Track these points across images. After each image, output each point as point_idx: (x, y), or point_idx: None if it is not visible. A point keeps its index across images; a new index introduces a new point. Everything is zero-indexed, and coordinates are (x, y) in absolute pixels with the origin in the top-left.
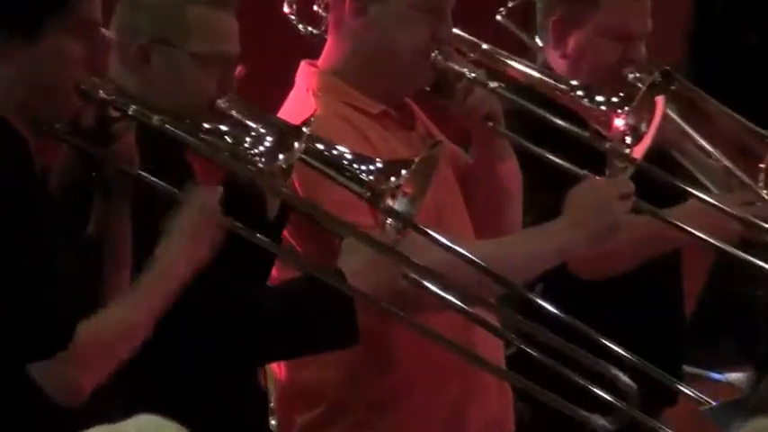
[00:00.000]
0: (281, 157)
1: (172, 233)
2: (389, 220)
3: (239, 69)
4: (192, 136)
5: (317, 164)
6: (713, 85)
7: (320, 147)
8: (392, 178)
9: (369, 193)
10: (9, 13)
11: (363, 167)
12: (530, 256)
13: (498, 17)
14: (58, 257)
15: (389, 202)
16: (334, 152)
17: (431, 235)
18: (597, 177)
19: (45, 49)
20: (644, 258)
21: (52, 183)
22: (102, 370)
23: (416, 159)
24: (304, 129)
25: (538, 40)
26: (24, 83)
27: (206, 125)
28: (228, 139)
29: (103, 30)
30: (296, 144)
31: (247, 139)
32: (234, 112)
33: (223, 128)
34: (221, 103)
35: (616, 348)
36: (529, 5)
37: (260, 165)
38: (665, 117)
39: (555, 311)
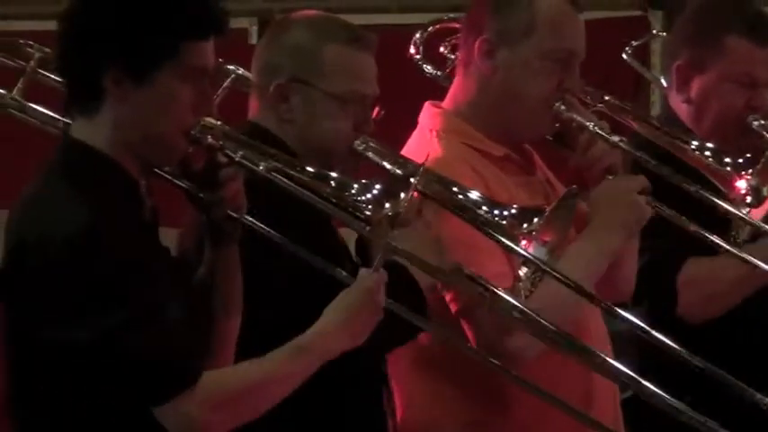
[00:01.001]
0: (387, 205)
1: (335, 309)
2: (523, 270)
3: (377, 111)
4: (297, 184)
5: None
6: None
7: (455, 189)
8: (525, 224)
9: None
10: (123, 56)
11: (497, 212)
12: (589, 266)
13: (624, 56)
14: (171, 301)
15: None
16: (469, 195)
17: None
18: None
19: (156, 94)
20: (746, 294)
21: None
22: (228, 417)
23: (552, 205)
24: (412, 180)
25: (663, 81)
26: (136, 126)
27: (314, 171)
28: (334, 186)
29: (233, 67)
30: (402, 193)
31: (354, 186)
32: (370, 154)
33: (332, 174)
34: (358, 144)
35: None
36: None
37: (366, 212)
38: None
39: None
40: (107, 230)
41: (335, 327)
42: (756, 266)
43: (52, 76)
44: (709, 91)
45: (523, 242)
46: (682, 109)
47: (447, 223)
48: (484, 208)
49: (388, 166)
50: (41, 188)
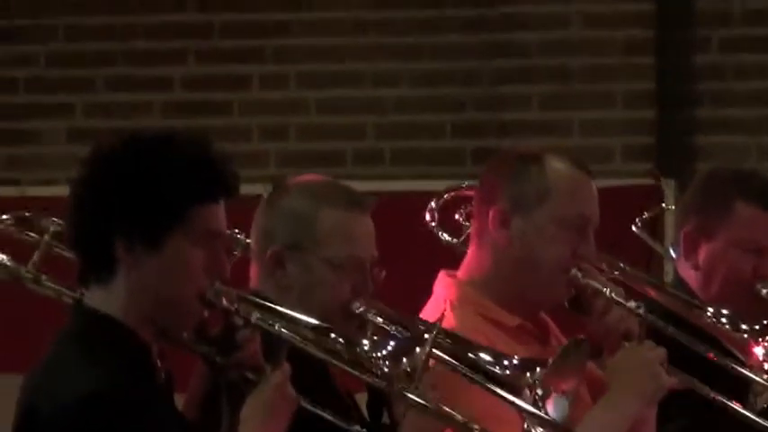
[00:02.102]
0: (404, 360)
1: (250, 413)
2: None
3: (379, 272)
4: (314, 345)
5: (459, 367)
6: None
7: (457, 344)
8: (528, 374)
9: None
10: (131, 224)
11: (498, 363)
12: None
13: (634, 228)
14: None
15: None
16: (469, 352)
17: None
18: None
19: (168, 259)
20: None
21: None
22: None
23: (557, 353)
24: (426, 336)
25: (672, 252)
26: (150, 292)
27: (331, 333)
28: (353, 347)
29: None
30: (417, 349)
31: (371, 345)
32: (370, 316)
33: (348, 336)
34: (357, 306)
35: None
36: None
37: (384, 369)
38: None
39: None
40: (117, 396)
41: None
42: None
43: (67, 249)
44: (717, 257)
45: (527, 393)
46: (690, 276)
47: (463, 395)
48: (487, 358)
49: (393, 326)
50: (54, 355)
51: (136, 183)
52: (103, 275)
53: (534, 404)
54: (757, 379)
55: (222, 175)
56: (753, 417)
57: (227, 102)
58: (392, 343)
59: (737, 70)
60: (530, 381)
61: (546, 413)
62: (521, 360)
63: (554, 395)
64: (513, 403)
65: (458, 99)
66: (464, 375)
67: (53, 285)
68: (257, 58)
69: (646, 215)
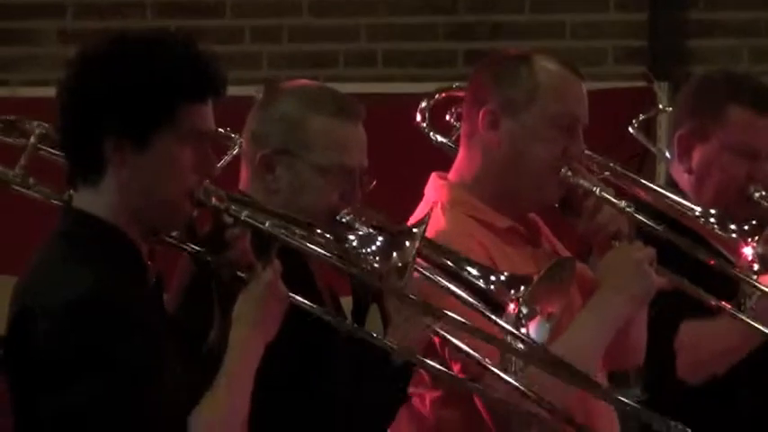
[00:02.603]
0: (394, 255)
1: (243, 312)
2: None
3: (368, 181)
4: (304, 240)
5: (436, 276)
6: None
7: (441, 254)
8: (512, 291)
9: (488, 308)
10: (120, 122)
11: (484, 276)
12: (596, 337)
13: (630, 129)
14: (169, 364)
15: (516, 320)
16: (455, 262)
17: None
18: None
19: (156, 157)
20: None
21: (171, 293)
22: None
23: (540, 273)
24: (415, 230)
25: (666, 153)
26: (138, 191)
27: (319, 230)
28: (342, 243)
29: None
30: (407, 243)
31: (359, 241)
32: (357, 224)
33: (336, 232)
34: (344, 214)
35: None
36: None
37: (375, 265)
38: None
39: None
40: (104, 299)
41: (250, 331)
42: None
43: (53, 151)
44: (711, 161)
45: (512, 307)
46: (683, 179)
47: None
48: (473, 272)
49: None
50: (44, 257)
51: (122, 81)
52: (92, 176)
53: (516, 322)
54: (747, 279)
55: (209, 74)
56: (743, 317)
57: (220, 3)
58: (380, 239)
59: None
60: (514, 297)
61: (526, 333)
62: (507, 276)
63: (538, 317)
64: (490, 318)
65: (450, 1)
66: (443, 288)
67: (41, 188)
68: None
69: (642, 117)
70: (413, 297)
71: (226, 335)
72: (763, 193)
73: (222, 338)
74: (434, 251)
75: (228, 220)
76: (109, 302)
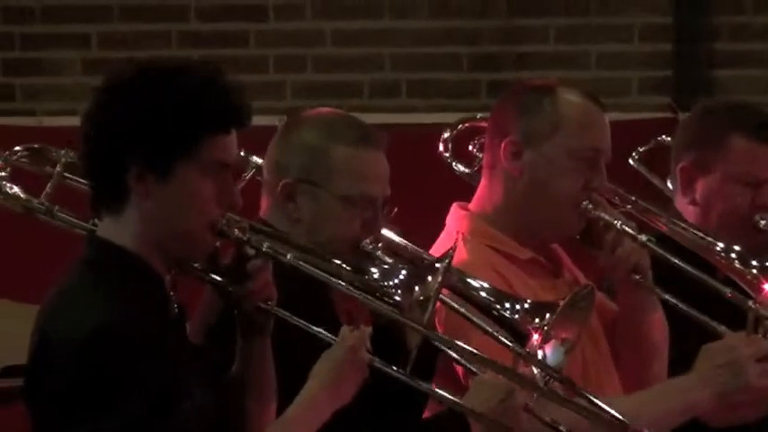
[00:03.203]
0: (416, 289)
1: (320, 370)
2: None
3: (390, 210)
4: (325, 272)
5: (457, 305)
6: None
7: (467, 284)
8: (537, 319)
9: (512, 340)
10: (143, 152)
11: (508, 306)
12: (661, 414)
13: (631, 161)
14: (194, 392)
15: (537, 349)
16: (479, 292)
17: (575, 388)
18: (735, 334)
19: (178, 188)
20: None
21: (194, 323)
22: None
23: (565, 301)
24: (438, 264)
25: (669, 185)
26: (161, 222)
27: (340, 262)
28: (363, 275)
29: (256, 160)
30: (430, 277)
31: (381, 273)
32: (379, 253)
33: (358, 264)
34: (367, 243)
35: None
36: (659, 152)
37: (396, 298)
38: None
39: None
40: (127, 329)
41: (321, 390)
42: None
43: (79, 180)
44: (714, 192)
45: (535, 337)
46: (688, 211)
47: (461, 331)
48: (496, 302)
49: (391, 261)
50: (67, 285)
51: (147, 111)
52: (115, 205)
53: (537, 348)
54: (760, 312)
55: (233, 105)
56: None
57: (244, 32)
58: (403, 272)
59: (755, 3)
60: (537, 325)
61: (543, 358)
62: (531, 304)
63: (553, 342)
64: (510, 348)
65: (475, 31)
66: (463, 316)
67: (65, 217)
68: None
69: (641, 149)
70: (436, 333)
71: (247, 363)
72: None
73: (244, 367)
74: (459, 280)
75: (250, 251)
76: (131, 333)
